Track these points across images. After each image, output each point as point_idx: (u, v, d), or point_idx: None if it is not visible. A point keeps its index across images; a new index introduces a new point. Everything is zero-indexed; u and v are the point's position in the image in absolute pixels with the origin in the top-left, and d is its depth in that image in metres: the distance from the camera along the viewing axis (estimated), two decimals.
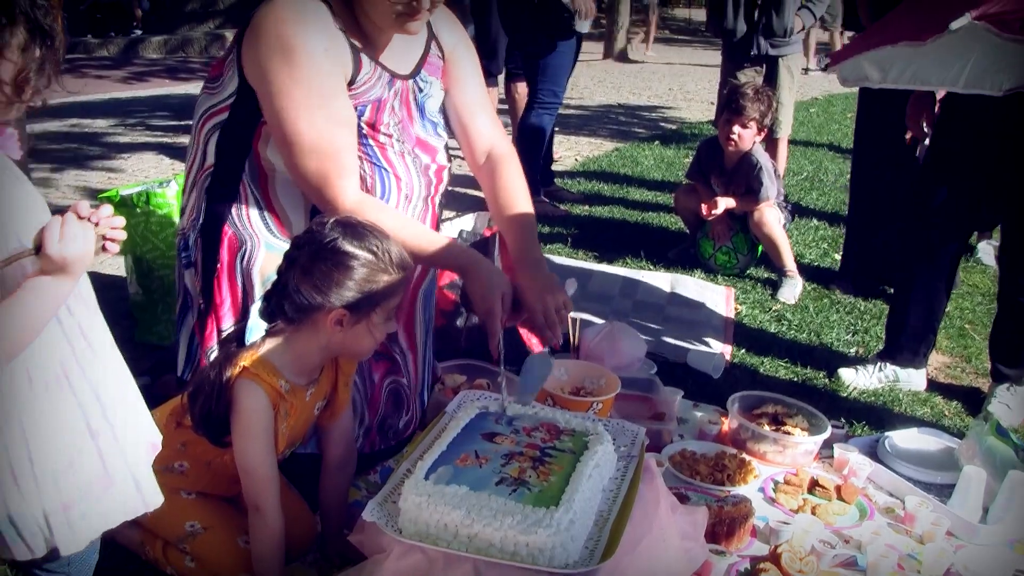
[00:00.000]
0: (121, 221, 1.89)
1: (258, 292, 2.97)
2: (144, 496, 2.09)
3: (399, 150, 3.08)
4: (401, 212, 3.08)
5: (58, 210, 1.80)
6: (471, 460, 2.36)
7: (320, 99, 2.85)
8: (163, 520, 2.65)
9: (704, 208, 5.46)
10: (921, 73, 3.16)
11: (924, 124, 4.36)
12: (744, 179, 5.43)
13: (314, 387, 2.65)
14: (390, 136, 3.05)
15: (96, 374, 1.97)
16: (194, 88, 11.64)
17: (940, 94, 4.23)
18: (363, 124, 2.99)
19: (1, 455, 1.84)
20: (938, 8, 2.88)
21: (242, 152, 3.01)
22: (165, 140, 8.62)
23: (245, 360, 2.50)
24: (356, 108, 2.96)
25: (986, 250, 5.89)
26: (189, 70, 14.10)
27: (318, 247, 2.49)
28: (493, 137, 3.42)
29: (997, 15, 2.63)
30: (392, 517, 2.28)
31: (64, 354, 1.91)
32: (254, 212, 3.02)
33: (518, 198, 3.34)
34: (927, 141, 4.33)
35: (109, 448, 1.98)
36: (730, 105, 5.45)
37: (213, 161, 3.06)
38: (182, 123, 9.23)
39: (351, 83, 2.94)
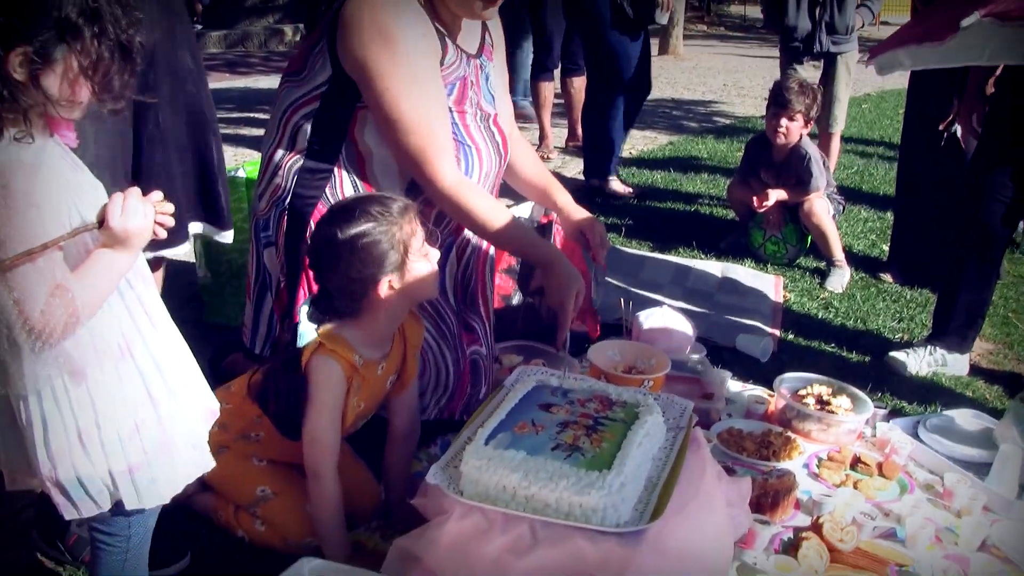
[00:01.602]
0: (171, 207, 2.06)
1: None
2: (202, 461, 2.24)
3: (479, 125, 3.29)
4: (491, 195, 3.28)
5: None
6: (528, 428, 2.51)
7: (419, 81, 3.05)
8: (236, 485, 2.87)
9: (756, 200, 5.60)
10: (947, 58, 3.26)
11: (975, 121, 4.47)
12: (794, 171, 5.56)
13: (385, 361, 2.81)
14: (473, 113, 3.26)
15: (156, 344, 2.13)
16: (253, 82, 11.87)
17: (990, 89, 4.35)
18: (451, 103, 3.18)
19: (68, 420, 1.99)
20: (955, 7, 2.99)
21: (338, 137, 3.19)
22: (228, 131, 8.78)
23: (321, 338, 2.66)
24: (446, 87, 3.16)
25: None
26: (248, 64, 14.30)
27: (331, 247, 2.65)
28: (512, 124, 3.66)
29: (1002, 13, 2.74)
30: (454, 480, 2.43)
31: (125, 325, 2.06)
32: (350, 193, 3.19)
33: (541, 167, 3.75)
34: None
35: (169, 415, 2.13)
36: (776, 100, 5.60)
37: (304, 147, 3.23)
38: (244, 115, 9.42)
39: (440, 65, 3.14)
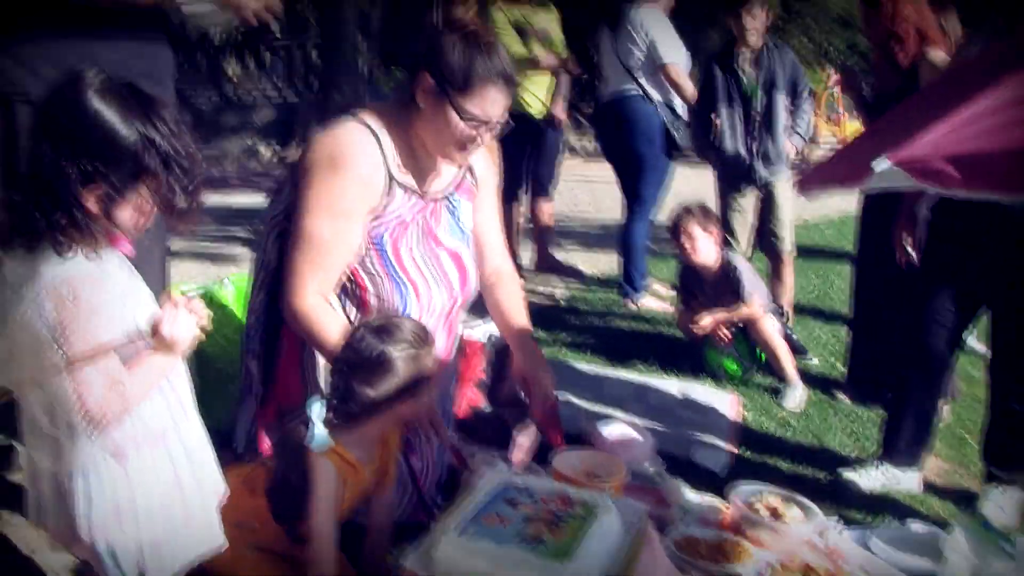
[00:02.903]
0: (210, 314, 2.39)
1: (321, 378, 3.40)
2: (214, 538, 2.52)
3: (424, 263, 3.48)
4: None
5: None
6: (496, 521, 2.72)
7: (337, 213, 3.27)
8: (231, 571, 3.02)
9: (692, 326, 5.87)
10: (871, 186, 3.44)
11: (909, 245, 4.69)
12: (728, 286, 5.81)
13: (370, 464, 3.07)
14: (411, 251, 3.45)
15: (186, 433, 2.43)
16: (231, 199, 12.10)
17: (923, 214, 4.56)
18: (387, 242, 3.40)
19: (108, 495, 2.27)
20: (871, 150, 3.20)
21: None
22: (210, 248, 9.03)
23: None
24: (382, 227, 3.38)
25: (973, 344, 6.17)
26: (226, 182, 14.57)
27: (366, 358, 2.97)
28: (501, 256, 3.92)
29: (909, 160, 2.95)
30: (428, 566, 2.64)
31: (163, 417, 2.36)
32: None
33: (519, 308, 3.92)
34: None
35: (192, 497, 2.42)
36: (673, 230, 5.97)
37: (275, 264, 3.46)
38: (222, 231, 9.64)
39: (381, 208, 3.38)
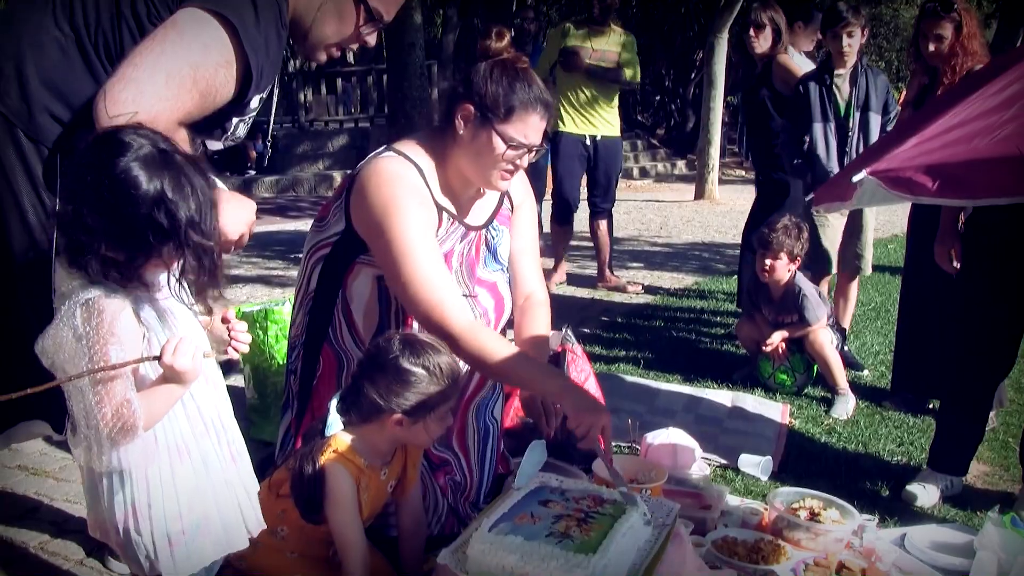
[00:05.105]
0: (249, 338, 2.63)
1: None
2: (233, 541, 2.69)
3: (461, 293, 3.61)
4: (506, 341, 3.53)
5: None
6: (527, 519, 2.88)
7: (423, 243, 3.38)
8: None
9: (760, 345, 5.97)
10: (874, 200, 3.56)
11: (953, 258, 4.79)
12: (793, 306, 5.91)
13: (387, 468, 3.22)
14: (457, 282, 3.60)
15: (207, 446, 2.60)
16: (302, 225, 12.41)
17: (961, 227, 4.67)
18: None
19: (128, 497, 2.49)
20: (857, 166, 3.36)
21: (336, 283, 3.60)
22: (276, 273, 9.30)
23: (334, 446, 3.09)
24: None
25: None
26: (299, 209, 14.91)
27: (383, 362, 3.10)
28: (534, 283, 4.04)
29: (883, 171, 3.09)
30: (461, 562, 2.81)
31: (183, 428, 2.55)
32: (346, 334, 3.60)
33: (544, 338, 4.03)
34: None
35: (212, 502, 2.60)
36: (760, 241, 5.97)
37: (315, 288, 3.65)
38: (292, 258, 9.91)
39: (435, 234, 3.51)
